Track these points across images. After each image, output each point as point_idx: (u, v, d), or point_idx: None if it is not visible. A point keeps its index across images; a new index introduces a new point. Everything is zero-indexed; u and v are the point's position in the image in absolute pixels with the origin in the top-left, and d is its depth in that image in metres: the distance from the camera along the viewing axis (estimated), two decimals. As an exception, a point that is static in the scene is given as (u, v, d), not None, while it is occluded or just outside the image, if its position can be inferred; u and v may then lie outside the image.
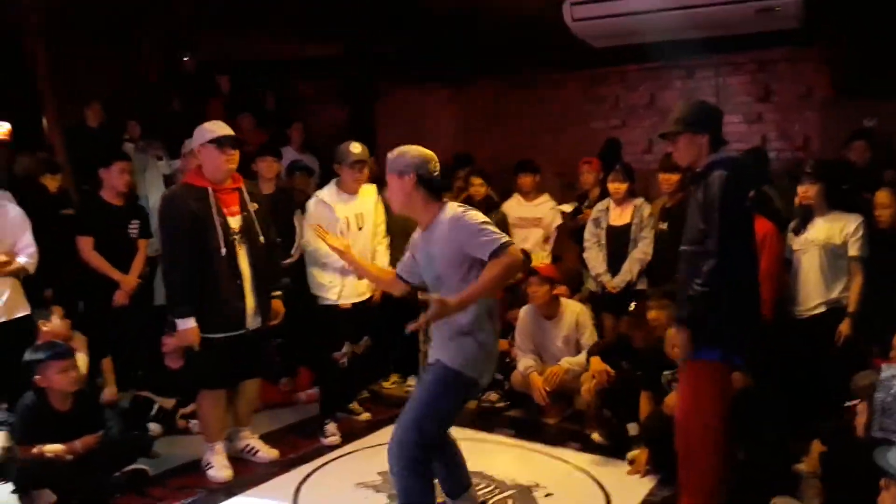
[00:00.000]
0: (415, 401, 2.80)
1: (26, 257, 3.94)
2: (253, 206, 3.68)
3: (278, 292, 3.86)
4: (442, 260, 2.73)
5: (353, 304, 4.19)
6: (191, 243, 3.47)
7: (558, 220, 5.49)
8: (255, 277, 3.62)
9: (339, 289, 4.12)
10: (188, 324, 3.47)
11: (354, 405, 4.54)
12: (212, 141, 3.53)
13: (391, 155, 2.85)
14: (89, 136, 5.60)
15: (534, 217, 5.49)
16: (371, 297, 4.28)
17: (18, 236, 3.94)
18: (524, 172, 5.49)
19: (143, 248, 4.62)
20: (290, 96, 7.27)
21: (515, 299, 4.91)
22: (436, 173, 2.82)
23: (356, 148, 4.09)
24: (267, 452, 3.89)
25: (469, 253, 2.65)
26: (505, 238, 2.61)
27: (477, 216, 2.70)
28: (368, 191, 4.29)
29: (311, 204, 4.18)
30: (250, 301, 3.61)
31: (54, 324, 3.92)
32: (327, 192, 4.19)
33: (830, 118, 5.50)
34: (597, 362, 3.99)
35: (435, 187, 2.81)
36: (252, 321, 3.63)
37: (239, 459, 3.84)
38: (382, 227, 4.34)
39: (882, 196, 3.83)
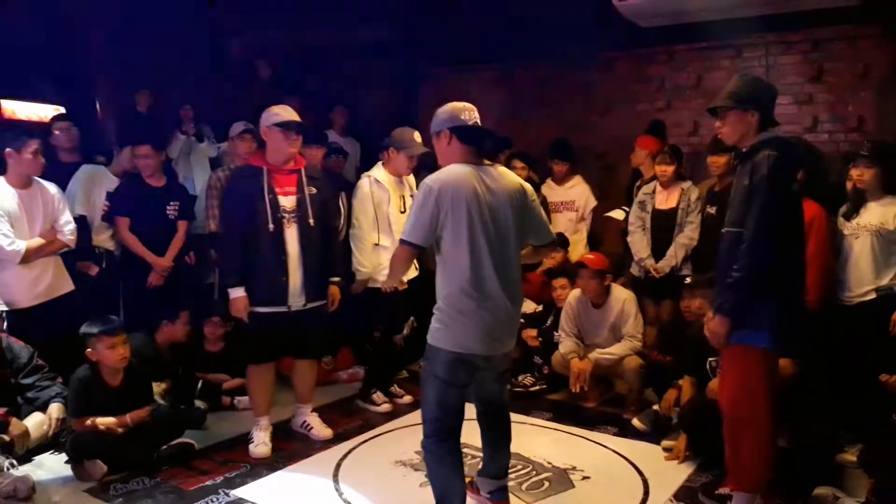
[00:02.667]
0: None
1: (67, 234, 4.07)
2: (310, 190, 3.77)
3: (337, 278, 3.92)
4: None
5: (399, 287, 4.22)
6: (242, 218, 3.64)
7: (592, 203, 5.47)
8: (304, 257, 3.71)
9: (383, 270, 4.16)
10: (236, 293, 3.64)
11: (395, 388, 4.61)
12: (278, 124, 3.65)
13: (433, 118, 2.87)
14: (138, 119, 5.74)
15: (567, 200, 5.50)
16: (415, 278, 4.33)
17: (59, 214, 4.07)
18: (558, 160, 5.50)
19: (183, 230, 4.70)
20: (335, 80, 7.30)
21: (564, 274, 4.88)
22: (471, 122, 2.77)
23: (419, 138, 4.18)
24: (320, 430, 3.98)
25: None
26: (404, 237, 2.70)
27: (419, 200, 2.67)
28: (411, 174, 4.40)
29: (366, 183, 4.26)
30: (294, 279, 3.69)
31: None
32: (379, 173, 4.28)
33: (887, 99, 5.28)
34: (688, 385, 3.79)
35: (473, 136, 2.77)
36: (296, 299, 3.71)
37: (283, 435, 3.93)
38: None
39: None
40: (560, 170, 5.53)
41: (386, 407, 4.38)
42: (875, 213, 3.70)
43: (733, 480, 2.88)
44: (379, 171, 4.30)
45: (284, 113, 3.71)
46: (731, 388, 2.84)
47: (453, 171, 2.70)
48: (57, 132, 4.74)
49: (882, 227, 3.66)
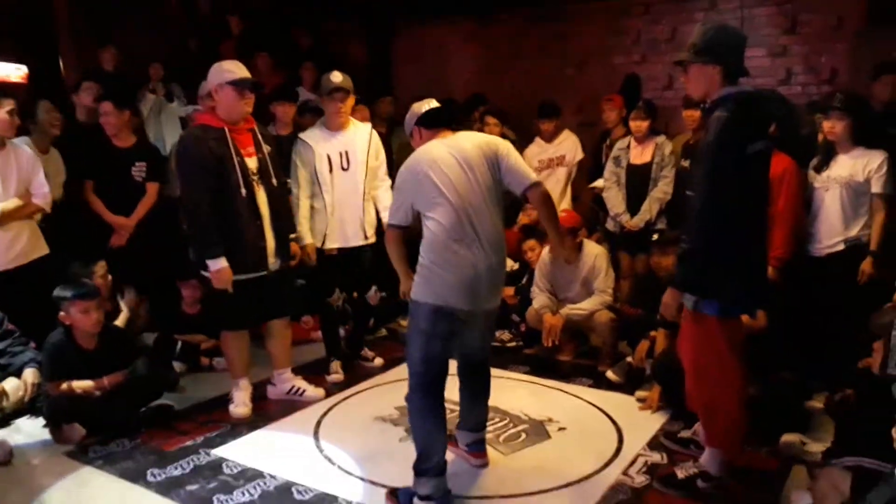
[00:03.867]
0: None
1: (41, 198, 4.00)
2: (266, 149, 3.66)
3: (294, 234, 3.89)
4: None
5: (340, 250, 4.12)
6: (212, 184, 3.46)
7: (580, 155, 5.45)
8: (274, 218, 3.64)
9: (322, 235, 4.07)
10: (219, 264, 3.48)
11: (365, 351, 4.52)
12: (230, 82, 3.49)
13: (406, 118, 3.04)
14: (105, 79, 5.58)
15: (557, 156, 5.45)
16: (367, 246, 4.19)
17: (32, 177, 3.99)
18: (546, 119, 5.41)
19: (153, 191, 4.59)
20: (305, 36, 7.15)
21: (534, 235, 4.90)
22: (430, 107, 2.94)
23: (336, 77, 3.98)
24: (314, 392, 3.94)
25: None
26: (390, 220, 2.91)
27: (397, 184, 2.87)
28: (360, 128, 4.18)
29: (296, 145, 4.08)
30: (270, 242, 3.64)
31: (95, 283, 3.92)
32: (310, 132, 4.11)
33: (860, 51, 5.30)
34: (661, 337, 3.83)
35: (434, 119, 2.92)
36: (272, 262, 3.67)
37: (262, 395, 3.95)
38: (382, 169, 4.25)
39: None
40: (548, 128, 5.43)
41: (336, 377, 4.22)
42: (845, 166, 3.74)
43: (708, 438, 2.91)
44: (311, 130, 4.11)
45: (237, 70, 3.53)
46: (695, 352, 2.81)
47: (419, 151, 2.86)
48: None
49: (852, 180, 3.71)
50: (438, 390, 2.81)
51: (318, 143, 4.04)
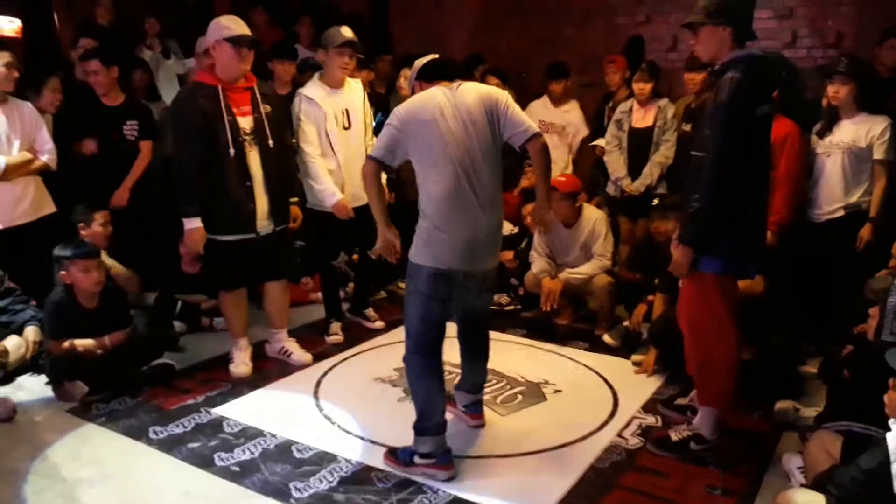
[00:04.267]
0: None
1: (47, 154, 3.98)
2: (265, 109, 3.58)
3: (296, 198, 3.85)
4: None
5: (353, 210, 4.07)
6: (200, 143, 3.41)
7: (583, 132, 5.37)
8: (267, 180, 3.57)
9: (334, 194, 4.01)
10: (193, 223, 3.47)
11: (369, 311, 4.54)
12: (228, 39, 3.41)
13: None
14: (99, 33, 5.48)
15: (560, 123, 5.38)
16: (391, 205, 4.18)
17: (36, 133, 3.97)
18: (555, 80, 5.33)
19: (147, 150, 4.53)
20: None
21: (533, 198, 4.89)
22: (433, 59, 2.91)
23: (347, 31, 3.90)
24: (301, 356, 3.94)
25: None
26: (371, 153, 2.82)
27: (387, 122, 2.77)
28: (354, 86, 4.11)
29: (297, 103, 3.98)
30: (261, 204, 3.57)
31: (93, 229, 3.99)
32: (310, 88, 4.00)
33: (867, 14, 5.22)
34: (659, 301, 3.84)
35: (431, 73, 2.87)
36: (263, 224, 3.61)
37: (262, 355, 3.98)
38: (371, 126, 4.21)
39: None
40: (556, 89, 5.32)
41: (336, 338, 4.23)
42: (848, 131, 3.72)
43: (701, 397, 2.97)
44: (312, 87, 3.98)
45: (235, 26, 3.43)
46: (691, 311, 2.86)
47: (420, 96, 2.78)
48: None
49: (854, 146, 3.69)
50: (437, 351, 2.84)
51: (324, 101, 3.96)
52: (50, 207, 4.06)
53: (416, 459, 2.80)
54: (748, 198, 2.69)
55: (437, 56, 2.94)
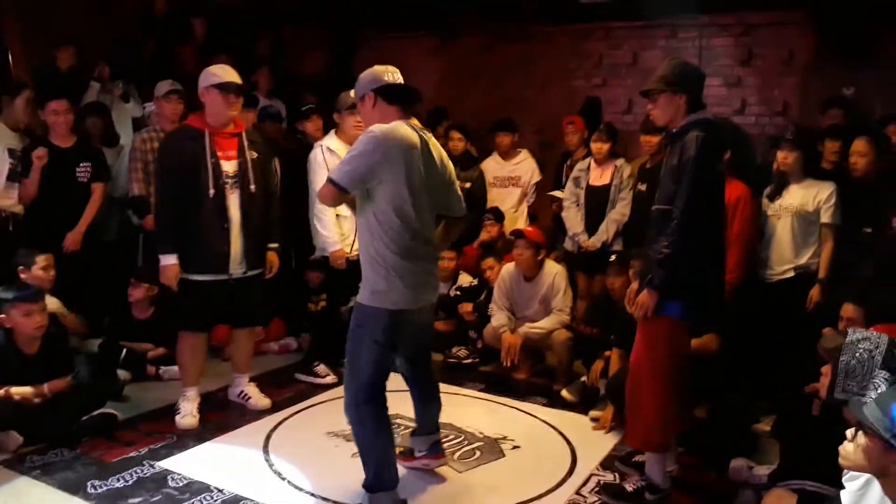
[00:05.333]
0: (346, 353, 2.81)
1: None
2: (251, 154, 3.65)
3: (275, 244, 3.83)
4: None
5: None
6: (181, 182, 3.48)
7: (536, 177, 5.50)
8: (245, 224, 3.61)
9: (352, 241, 3.99)
10: (168, 260, 3.51)
11: (319, 367, 4.38)
12: (216, 85, 3.51)
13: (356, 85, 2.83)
14: (58, 78, 5.40)
15: (512, 176, 5.51)
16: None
17: None
18: (502, 132, 5.49)
19: (98, 193, 4.46)
20: (265, 42, 7.06)
21: (492, 253, 4.93)
22: (394, 81, 2.74)
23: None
24: (258, 401, 3.91)
25: None
26: (333, 176, 2.67)
27: (362, 147, 2.60)
28: None
29: (319, 153, 4.10)
30: (236, 246, 3.60)
31: (34, 273, 3.83)
32: (330, 140, 4.15)
33: (811, 84, 5.50)
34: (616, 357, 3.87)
35: (397, 95, 2.73)
36: (236, 267, 3.62)
37: (211, 406, 3.85)
38: None
39: (859, 144, 3.80)
40: (504, 141, 5.48)
41: (330, 378, 4.25)
42: (796, 196, 3.87)
43: (631, 437, 3.05)
44: (332, 140, 4.16)
45: (224, 74, 3.57)
46: (638, 349, 2.96)
47: (398, 126, 2.66)
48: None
49: (802, 209, 3.84)
50: (384, 398, 2.79)
51: (342, 154, 4.02)
52: None
53: None
54: (712, 247, 2.85)
55: (399, 75, 2.79)
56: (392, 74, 2.76)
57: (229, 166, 3.58)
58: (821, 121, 4.78)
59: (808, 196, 3.84)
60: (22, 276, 3.80)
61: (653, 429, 2.91)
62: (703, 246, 2.80)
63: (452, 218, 2.95)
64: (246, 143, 3.65)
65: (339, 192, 2.68)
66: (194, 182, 3.48)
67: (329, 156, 4.05)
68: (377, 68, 2.78)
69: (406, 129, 2.67)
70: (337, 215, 4.08)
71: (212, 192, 3.49)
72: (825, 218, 3.80)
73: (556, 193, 5.24)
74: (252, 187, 3.62)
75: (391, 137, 2.61)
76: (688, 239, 2.72)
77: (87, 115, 4.95)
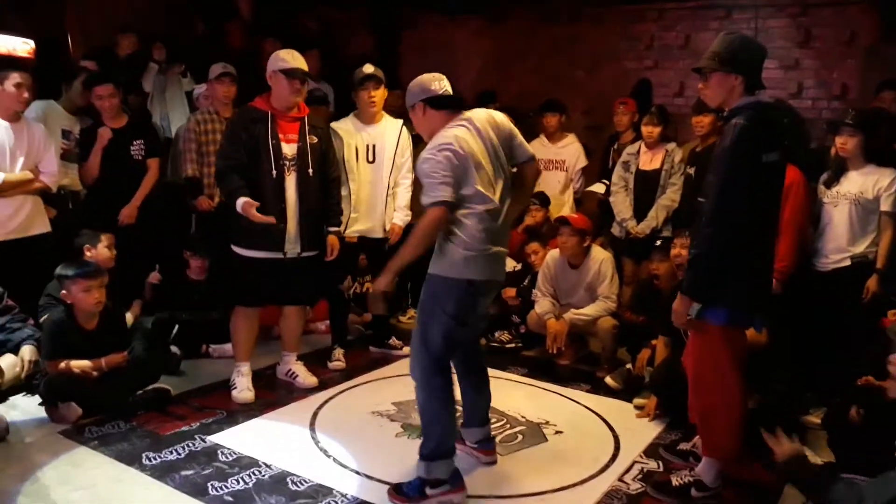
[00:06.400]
0: (416, 322, 2.85)
1: (48, 176, 4.04)
2: (311, 139, 3.70)
3: (335, 228, 3.88)
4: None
5: (360, 239, 4.22)
6: (244, 158, 3.54)
7: (582, 162, 5.43)
8: (301, 205, 3.66)
9: (345, 222, 4.08)
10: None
11: (393, 340, 4.61)
12: (283, 71, 3.57)
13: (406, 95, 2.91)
14: (113, 63, 5.53)
15: (558, 159, 5.44)
16: (384, 239, 4.30)
17: (43, 155, 4.04)
18: (550, 112, 5.42)
19: (155, 167, 4.58)
20: (315, 22, 7.11)
21: (537, 238, 4.91)
22: (442, 90, 2.83)
23: (368, 67, 4.10)
24: (306, 379, 3.99)
25: None
26: (436, 198, 2.61)
27: (438, 159, 2.63)
28: (391, 123, 4.25)
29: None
30: (291, 226, 3.65)
31: (99, 252, 3.96)
32: (342, 121, 4.20)
33: (872, 66, 5.29)
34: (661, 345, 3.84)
35: (444, 103, 2.82)
36: (291, 247, 3.68)
37: (260, 383, 3.93)
38: (407, 166, 4.28)
39: None
40: (551, 122, 5.42)
41: (338, 364, 4.28)
42: (855, 182, 3.73)
43: (705, 448, 2.92)
44: (343, 121, 4.21)
45: (291, 60, 3.62)
46: (696, 361, 2.83)
47: (458, 132, 2.72)
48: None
49: (861, 196, 3.69)
50: (451, 371, 2.86)
51: (348, 134, 4.14)
52: (43, 227, 4.07)
53: (428, 490, 2.75)
54: (753, 246, 2.65)
55: (446, 83, 2.87)
56: (439, 83, 2.86)
57: (289, 149, 3.63)
58: (874, 104, 4.60)
59: (867, 183, 3.69)
60: (87, 254, 3.93)
61: (730, 438, 2.81)
62: (742, 246, 2.58)
63: (520, 166, 2.93)
64: (307, 128, 3.70)
65: (446, 208, 2.65)
66: (255, 161, 3.55)
67: (332, 137, 4.01)
68: (425, 78, 2.87)
69: (463, 131, 2.72)
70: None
71: (274, 172, 3.56)
72: (885, 206, 3.65)
73: (595, 188, 5.16)
74: (310, 171, 3.67)
75: (460, 141, 2.68)
76: (719, 238, 2.55)
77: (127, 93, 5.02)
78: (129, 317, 4.07)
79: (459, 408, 3.15)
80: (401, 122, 4.28)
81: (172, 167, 4.90)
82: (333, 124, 4.17)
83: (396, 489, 2.82)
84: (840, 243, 3.74)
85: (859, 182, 3.71)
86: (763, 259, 2.75)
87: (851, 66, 5.47)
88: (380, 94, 4.14)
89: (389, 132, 4.23)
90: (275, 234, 3.60)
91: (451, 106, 2.83)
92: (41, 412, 3.44)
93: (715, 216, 2.56)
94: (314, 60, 6.10)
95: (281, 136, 3.62)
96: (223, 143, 3.71)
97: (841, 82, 5.51)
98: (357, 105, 4.19)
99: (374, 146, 4.17)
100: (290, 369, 4.04)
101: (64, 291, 3.46)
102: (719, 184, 2.56)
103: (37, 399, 3.50)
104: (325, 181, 3.80)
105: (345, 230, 4.08)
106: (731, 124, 2.58)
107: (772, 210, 2.76)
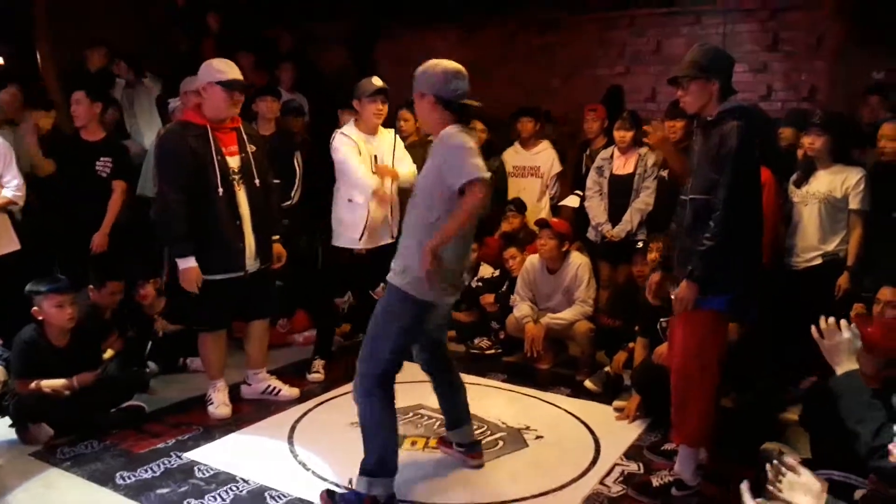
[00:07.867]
0: (367, 333, 2.80)
1: (13, 190, 3.90)
2: (251, 148, 3.62)
3: (277, 236, 3.84)
4: (424, 175, 2.73)
5: (369, 251, 4.11)
6: (189, 182, 3.40)
7: (557, 168, 5.44)
8: (255, 219, 3.60)
9: (361, 233, 4.04)
10: (188, 263, 3.41)
11: None
12: (220, 83, 3.45)
13: (419, 70, 2.73)
14: (86, 77, 5.48)
15: (532, 166, 5.44)
16: (393, 243, 4.25)
17: (5, 169, 3.89)
18: (525, 117, 5.42)
19: (119, 190, 4.43)
20: (288, 35, 7.08)
21: (515, 243, 4.91)
22: (458, 92, 2.66)
23: (378, 80, 4.00)
24: (289, 391, 3.94)
25: (443, 175, 2.57)
26: (479, 174, 2.50)
27: (467, 141, 2.59)
28: (386, 135, 4.19)
29: (340, 139, 4.01)
30: (250, 242, 3.59)
31: (102, 295, 3.94)
32: (347, 128, 4.09)
33: (839, 69, 5.38)
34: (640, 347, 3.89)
35: (455, 109, 2.67)
36: (252, 262, 3.62)
37: (236, 398, 3.88)
38: (408, 161, 4.24)
39: (888, 128, 3.73)
40: (526, 127, 5.41)
41: (317, 377, 4.22)
42: (824, 182, 3.79)
43: (678, 434, 2.99)
44: (348, 128, 4.10)
45: (228, 70, 3.48)
46: (683, 346, 2.89)
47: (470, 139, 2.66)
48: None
49: (830, 195, 3.75)
50: (393, 386, 2.79)
51: (361, 143, 4.02)
52: (12, 245, 3.97)
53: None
54: (755, 238, 2.83)
55: (465, 87, 2.70)
56: (459, 83, 2.68)
57: (234, 162, 3.53)
58: (858, 107, 4.68)
59: (836, 182, 3.76)
60: (91, 294, 3.91)
61: (704, 424, 2.89)
62: (747, 237, 2.76)
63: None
64: (245, 137, 3.61)
65: (487, 183, 2.55)
66: (202, 180, 3.40)
67: (343, 138, 3.97)
68: (448, 69, 2.69)
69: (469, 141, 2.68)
70: (349, 200, 4.03)
71: (221, 190, 3.43)
72: (854, 204, 3.72)
73: (569, 202, 5.18)
74: (256, 181, 3.59)
75: (473, 145, 2.64)
76: (731, 231, 2.68)
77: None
78: (109, 352, 3.96)
79: (440, 415, 3.14)
80: (392, 130, 4.27)
81: (143, 181, 4.84)
82: (345, 132, 4.04)
83: (329, 494, 2.81)
84: (811, 242, 3.80)
85: (828, 181, 3.77)
86: (759, 251, 2.91)
87: (820, 68, 5.55)
88: (386, 108, 4.07)
89: (386, 142, 4.17)
90: (235, 253, 3.52)
91: (463, 120, 2.72)
92: (11, 434, 3.37)
93: (728, 211, 2.68)
94: (288, 72, 6.11)
95: (223, 149, 3.49)
96: (162, 166, 3.48)
97: (809, 84, 5.59)
98: (360, 115, 4.06)
99: (376, 157, 4.11)
100: (268, 385, 3.95)
101: (35, 308, 3.39)
102: (731, 181, 2.68)
103: (7, 420, 3.42)
104: (268, 190, 3.72)
105: (358, 243, 4.02)
106: (730, 126, 2.70)
107: (759, 206, 2.91)
